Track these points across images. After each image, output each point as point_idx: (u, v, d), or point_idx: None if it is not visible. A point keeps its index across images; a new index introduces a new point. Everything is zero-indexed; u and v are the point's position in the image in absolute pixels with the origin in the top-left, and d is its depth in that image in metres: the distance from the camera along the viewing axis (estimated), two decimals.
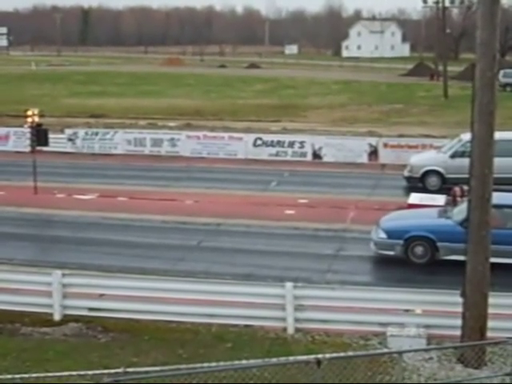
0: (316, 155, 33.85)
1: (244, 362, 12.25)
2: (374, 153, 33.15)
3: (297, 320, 14.56)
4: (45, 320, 15.15)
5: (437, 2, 74.33)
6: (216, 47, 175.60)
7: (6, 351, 13.61)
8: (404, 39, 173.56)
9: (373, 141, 33.75)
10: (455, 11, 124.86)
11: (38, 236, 22.27)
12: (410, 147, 32.18)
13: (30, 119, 26.31)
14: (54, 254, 20.07)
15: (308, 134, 36.68)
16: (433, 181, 27.04)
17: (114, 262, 19.05)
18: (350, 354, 12.50)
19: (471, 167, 12.90)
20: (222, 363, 11.95)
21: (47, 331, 14.72)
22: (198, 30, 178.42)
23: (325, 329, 14.50)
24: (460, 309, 13.10)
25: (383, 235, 18.89)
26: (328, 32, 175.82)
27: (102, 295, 15.44)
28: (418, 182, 27.20)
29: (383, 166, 32.30)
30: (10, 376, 11.23)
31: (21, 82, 79.38)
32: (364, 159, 33.12)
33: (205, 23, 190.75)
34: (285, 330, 14.55)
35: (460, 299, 13.11)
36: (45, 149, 27.92)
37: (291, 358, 12.01)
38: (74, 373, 11.77)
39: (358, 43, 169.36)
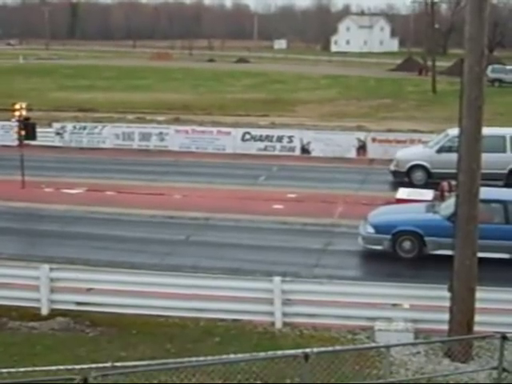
0: (304, 150, 33.87)
1: (232, 356, 12.26)
2: (362, 147, 33.20)
3: (285, 314, 14.58)
4: (32, 314, 15.11)
5: None
6: (205, 41, 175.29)
7: None
8: (393, 34, 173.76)
9: (361, 135, 33.81)
10: (444, 6, 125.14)
11: (25, 230, 22.19)
12: (399, 142, 32.26)
13: (17, 113, 26.19)
14: (41, 248, 20.01)
15: (296, 129, 36.66)
16: (418, 175, 27.16)
17: (101, 256, 19.01)
18: (338, 348, 12.52)
19: (459, 162, 12.94)
20: (210, 357, 11.97)
21: (35, 325, 14.68)
22: (186, 24, 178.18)
23: (313, 323, 14.52)
24: (447, 303, 13.14)
25: (371, 230, 18.91)
26: (317, 27, 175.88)
27: (89, 289, 15.41)
28: (403, 177, 27.31)
29: (371, 160, 32.34)
30: None
31: (8, 76, 78.98)
32: (352, 154, 33.17)
33: (193, 17, 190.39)
34: (273, 324, 14.57)
35: (447, 294, 13.15)
36: (32, 143, 27.78)
37: (279, 353, 12.02)
38: (61, 367, 11.76)
39: (347, 38, 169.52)
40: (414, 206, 20.57)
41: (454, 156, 25.32)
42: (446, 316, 13.16)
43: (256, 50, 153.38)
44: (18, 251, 19.65)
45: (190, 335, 14.08)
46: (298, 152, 33.87)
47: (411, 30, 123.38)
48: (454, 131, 27.40)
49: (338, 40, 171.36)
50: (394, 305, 14.50)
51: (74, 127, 36.50)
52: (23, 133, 26.44)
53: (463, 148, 12.79)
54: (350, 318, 14.48)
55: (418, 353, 13.08)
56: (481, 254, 15.97)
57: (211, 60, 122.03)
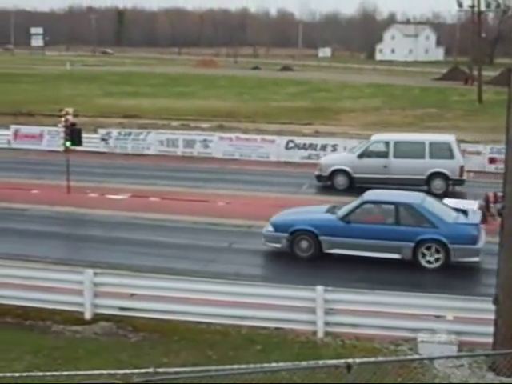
0: None
1: (273, 364, 12.21)
2: None
3: (327, 324, 14.52)
4: (76, 318, 15.23)
5: (472, 6, 73.77)
6: (249, 49, 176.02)
7: (37, 349, 13.73)
8: (438, 43, 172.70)
9: None
10: (491, 15, 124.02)
11: (70, 235, 22.43)
12: None
13: (64, 118, 26.46)
14: (85, 253, 20.19)
15: (340, 138, 36.52)
16: (340, 180, 27.84)
17: (145, 261, 19.12)
18: (381, 359, 12.41)
19: (505, 173, 12.71)
20: (251, 365, 11.93)
21: (78, 329, 14.80)
22: (231, 31, 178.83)
23: (355, 333, 14.43)
24: (492, 316, 12.96)
25: (270, 229, 19.66)
26: (362, 35, 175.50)
27: (132, 295, 15.49)
28: (326, 181, 28.09)
29: None
30: (41, 373, 11.30)
31: (56, 82, 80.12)
32: None
33: (239, 25, 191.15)
34: (315, 333, 14.50)
35: (492, 306, 12.97)
36: (78, 148, 28.00)
37: (321, 362, 11.94)
38: (104, 372, 11.80)
39: (392, 47, 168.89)
40: (318, 207, 21.08)
41: (373, 161, 27.02)
42: (491, 329, 12.98)
43: (300, 58, 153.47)
44: (63, 255, 19.85)
45: (232, 342, 14.09)
46: None
47: (457, 38, 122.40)
48: (376, 137, 29.10)
49: (383, 48, 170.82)
50: (438, 316, 14.36)
51: (119, 133, 36.81)
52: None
53: (510, 158, 12.56)
54: (393, 328, 14.36)
55: (462, 366, 12.91)
56: (373, 254, 18.59)
57: (256, 68, 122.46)
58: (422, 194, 20.24)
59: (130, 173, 31.34)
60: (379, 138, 28.91)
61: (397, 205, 18.80)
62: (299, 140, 35.04)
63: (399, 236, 18.38)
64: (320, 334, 14.45)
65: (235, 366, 11.54)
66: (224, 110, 53.44)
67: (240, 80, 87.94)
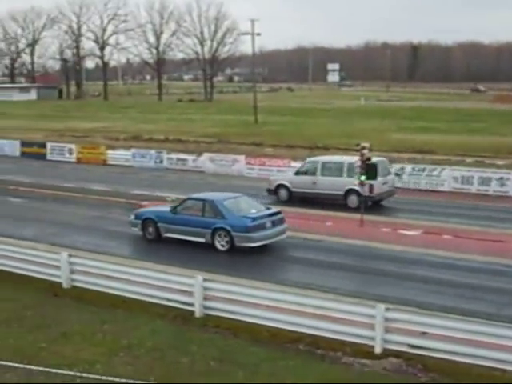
0: None
1: None
2: None
3: None
4: (365, 352, 15.28)
5: None
6: None
7: (324, 378, 13.99)
8: None
9: None
10: None
11: (361, 268, 22.59)
12: None
13: (360, 153, 26.88)
14: (375, 287, 20.22)
15: None
16: (282, 193, 32.59)
17: (434, 300, 18.79)
18: None
19: None
20: None
21: (367, 363, 14.84)
22: None
23: None
24: None
25: (132, 216, 25.93)
26: None
27: (423, 333, 15.26)
28: (273, 194, 32.71)
29: None
30: None
31: (350, 117, 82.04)
32: None
33: None
34: None
35: None
36: (371, 182, 28.34)
37: None
38: None
39: None
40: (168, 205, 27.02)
41: (306, 178, 31.85)
42: None
43: None
44: (353, 288, 20.07)
45: None
46: None
47: None
48: (310, 158, 34.19)
49: None
50: None
51: (413, 169, 36.75)
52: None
53: None
54: None
55: None
56: (189, 238, 24.13)
57: None
58: (233, 195, 25.52)
59: (423, 209, 31.17)
60: (313, 159, 33.58)
61: (203, 201, 24.41)
62: None
63: (203, 224, 23.91)
64: None
65: None
66: None
67: None
